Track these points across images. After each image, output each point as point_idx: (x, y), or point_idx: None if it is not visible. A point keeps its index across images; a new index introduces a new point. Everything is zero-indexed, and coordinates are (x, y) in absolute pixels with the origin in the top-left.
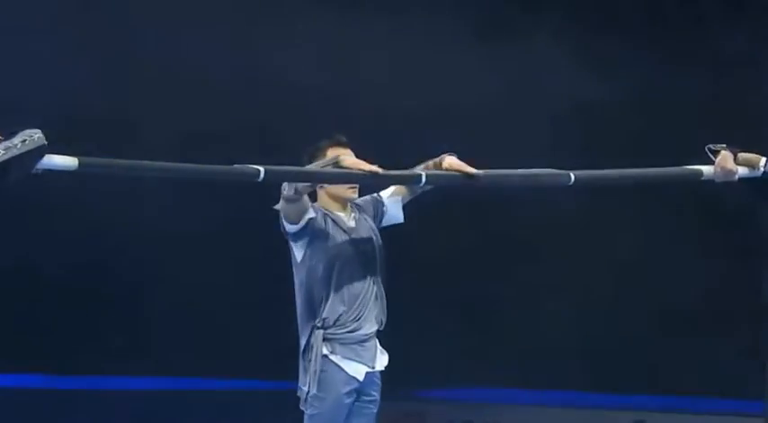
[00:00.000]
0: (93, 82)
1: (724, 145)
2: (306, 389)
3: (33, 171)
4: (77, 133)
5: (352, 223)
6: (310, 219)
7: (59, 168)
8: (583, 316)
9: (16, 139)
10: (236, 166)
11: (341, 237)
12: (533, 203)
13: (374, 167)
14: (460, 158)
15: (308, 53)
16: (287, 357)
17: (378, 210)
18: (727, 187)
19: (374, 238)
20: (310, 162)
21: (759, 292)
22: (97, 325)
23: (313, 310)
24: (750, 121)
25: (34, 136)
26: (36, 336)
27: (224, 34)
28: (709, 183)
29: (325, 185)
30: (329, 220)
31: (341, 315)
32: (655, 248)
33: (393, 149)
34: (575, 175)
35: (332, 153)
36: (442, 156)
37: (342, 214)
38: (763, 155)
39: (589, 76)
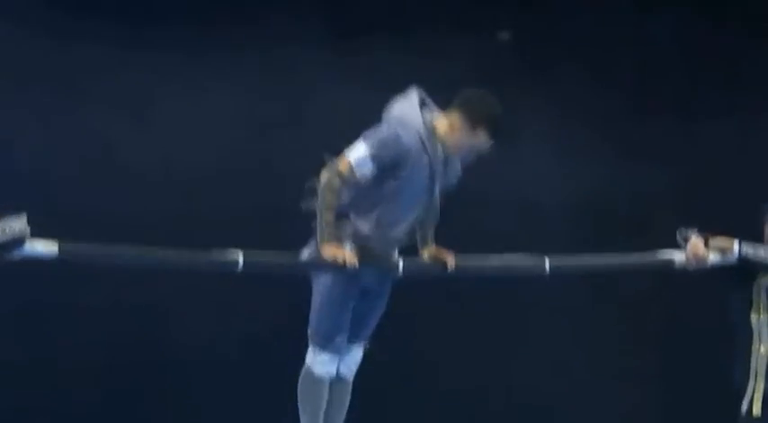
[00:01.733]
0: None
1: (695, 229)
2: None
3: (11, 258)
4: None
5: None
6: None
7: (39, 257)
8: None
9: None
10: (215, 253)
11: (419, 177)
12: None
13: (352, 259)
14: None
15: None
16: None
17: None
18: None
19: (438, 195)
20: None
21: None
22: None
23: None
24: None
25: (15, 227)
26: None
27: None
28: None
29: (455, 132)
30: (423, 157)
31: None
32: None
33: None
34: (549, 264)
35: None
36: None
37: (441, 157)
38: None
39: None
